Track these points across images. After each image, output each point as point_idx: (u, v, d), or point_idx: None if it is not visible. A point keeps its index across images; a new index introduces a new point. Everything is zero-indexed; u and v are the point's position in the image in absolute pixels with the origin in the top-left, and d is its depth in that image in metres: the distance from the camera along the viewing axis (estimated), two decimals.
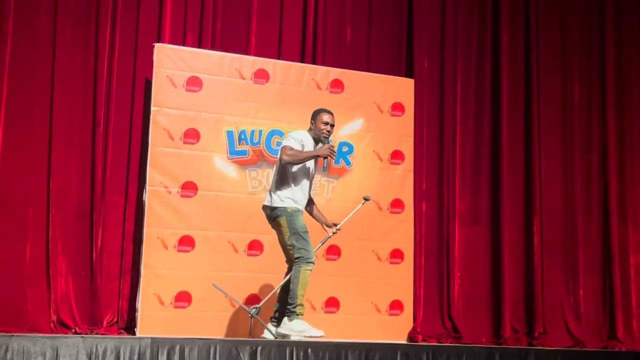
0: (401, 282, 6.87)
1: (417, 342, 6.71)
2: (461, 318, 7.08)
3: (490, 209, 7.43)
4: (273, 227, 5.52)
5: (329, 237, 5.71)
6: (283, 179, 5.41)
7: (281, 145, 5.42)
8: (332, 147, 5.47)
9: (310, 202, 5.66)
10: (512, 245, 7.36)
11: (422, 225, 7.19)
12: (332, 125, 5.54)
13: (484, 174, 7.48)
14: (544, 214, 7.45)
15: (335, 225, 5.69)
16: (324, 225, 5.68)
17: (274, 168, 5.59)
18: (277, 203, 5.40)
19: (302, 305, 5.30)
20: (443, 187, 7.34)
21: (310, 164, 5.49)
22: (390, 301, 6.79)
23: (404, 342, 6.68)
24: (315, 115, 5.57)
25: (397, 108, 7.05)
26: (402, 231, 6.94)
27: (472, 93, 7.57)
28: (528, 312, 7.29)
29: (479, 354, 5.41)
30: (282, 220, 5.37)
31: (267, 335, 5.41)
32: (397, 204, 6.94)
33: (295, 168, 5.39)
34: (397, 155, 7.00)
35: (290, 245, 5.37)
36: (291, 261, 5.41)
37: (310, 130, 5.54)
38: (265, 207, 5.52)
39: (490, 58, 7.64)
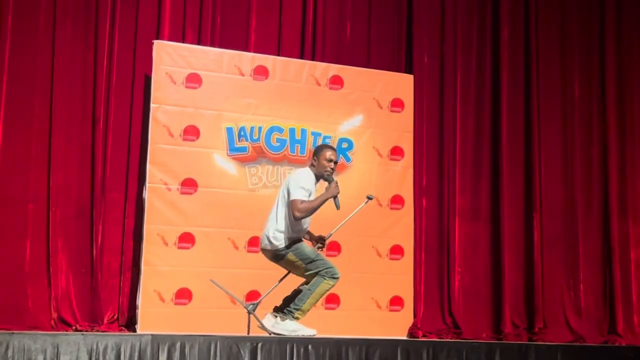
0: (401, 278, 6.88)
1: (418, 337, 6.72)
2: (461, 314, 7.09)
3: (491, 204, 7.43)
4: (282, 265, 5.40)
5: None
6: (280, 219, 5.28)
7: (291, 199, 5.20)
8: (337, 183, 5.36)
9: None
10: (512, 241, 7.36)
11: (422, 221, 7.19)
12: (336, 162, 5.42)
13: (484, 170, 7.48)
14: (544, 209, 7.45)
15: (323, 238, 5.55)
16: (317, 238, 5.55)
17: (273, 208, 5.37)
18: (276, 245, 5.27)
19: (304, 312, 5.26)
20: (443, 182, 7.34)
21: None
22: (391, 297, 6.80)
23: (405, 337, 6.69)
24: (318, 151, 5.42)
25: (397, 104, 7.05)
26: (402, 227, 6.94)
27: (472, 88, 7.56)
28: (528, 307, 7.29)
29: (479, 349, 5.40)
30: (291, 256, 5.28)
31: (260, 326, 5.37)
32: (397, 200, 6.95)
33: None
34: (396, 151, 7.00)
35: (313, 273, 5.26)
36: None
37: (312, 166, 5.39)
38: (265, 251, 5.40)
39: (490, 53, 7.64)
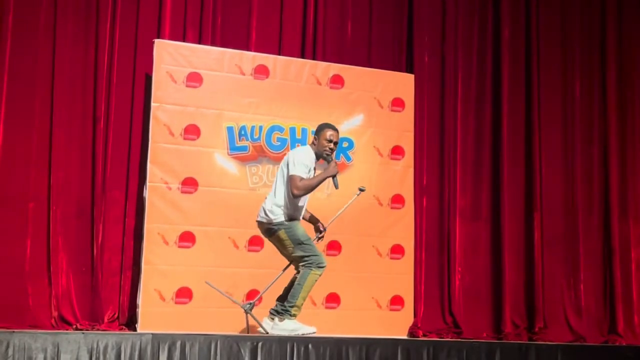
0: (402, 277, 6.88)
1: (418, 337, 6.72)
2: (462, 313, 7.09)
3: (491, 203, 7.43)
4: (272, 241, 5.46)
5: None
6: (278, 194, 5.34)
7: (290, 174, 5.26)
8: (336, 163, 5.41)
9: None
10: (513, 240, 7.36)
11: (422, 220, 7.19)
12: (336, 143, 5.43)
13: (484, 169, 7.48)
14: (545, 209, 7.45)
15: (319, 228, 5.58)
16: (316, 227, 5.58)
17: (273, 183, 5.47)
18: (271, 219, 5.32)
19: (299, 307, 5.28)
20: (443, 182, 7.34)
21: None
22: (391, 296, 6.80)
23: (405, 337, 6.68)
24: (320, 130, 5.46)
25: (398, 103, 7.04)
26: (402, 226, 6.93)
27: (473, 88, 7.56)
28: (529, 307, 7.29)
29: (480, 349, 5.41)
30: (282, 233, 5.31)
31: (261, 330, 5.40)
32: (397, 200, 6.94)
33: None
34: (397, 151, 7.00)
35: (297, 257, 5.31)
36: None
37: (313, 144, 5.46)
38: (260, 223, 5.44)
39: (491, 53, 7.63)
